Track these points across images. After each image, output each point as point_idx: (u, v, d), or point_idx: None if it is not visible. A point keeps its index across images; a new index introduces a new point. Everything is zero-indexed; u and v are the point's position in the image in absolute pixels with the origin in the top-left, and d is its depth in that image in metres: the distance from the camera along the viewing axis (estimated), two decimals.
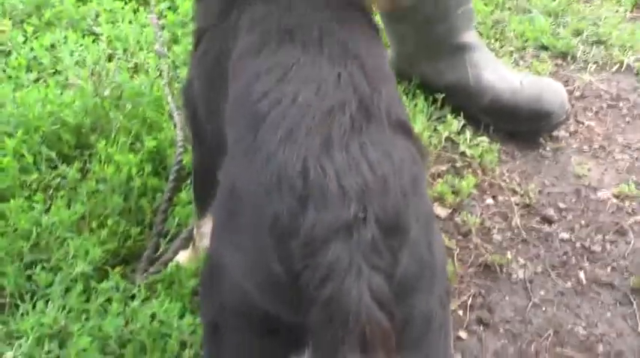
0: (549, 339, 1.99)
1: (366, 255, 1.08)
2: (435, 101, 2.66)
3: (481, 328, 2.03)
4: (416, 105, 2.65)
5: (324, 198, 1.11)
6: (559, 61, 3.11)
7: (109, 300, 1.94)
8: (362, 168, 1.15)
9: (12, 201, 2.13)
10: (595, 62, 3.08)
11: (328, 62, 1.34)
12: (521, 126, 2.64)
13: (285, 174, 1.14)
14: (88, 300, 1.94)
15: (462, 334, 2.00)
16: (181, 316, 1.88)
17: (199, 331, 1.83)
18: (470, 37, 2.71)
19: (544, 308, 2.08)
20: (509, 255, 2.21)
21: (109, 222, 2.14)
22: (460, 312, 2.05)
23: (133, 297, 1.95)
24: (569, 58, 3.12)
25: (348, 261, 1.07)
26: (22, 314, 1.91)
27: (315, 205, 1.11)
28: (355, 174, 1.14)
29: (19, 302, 1.94)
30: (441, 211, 2.35)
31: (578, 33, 3.24)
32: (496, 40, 3.17)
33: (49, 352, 1.81)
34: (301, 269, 1.09)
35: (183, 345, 1.85)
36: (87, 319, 1.88)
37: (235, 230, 1.23)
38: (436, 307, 1.27)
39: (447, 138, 2.61)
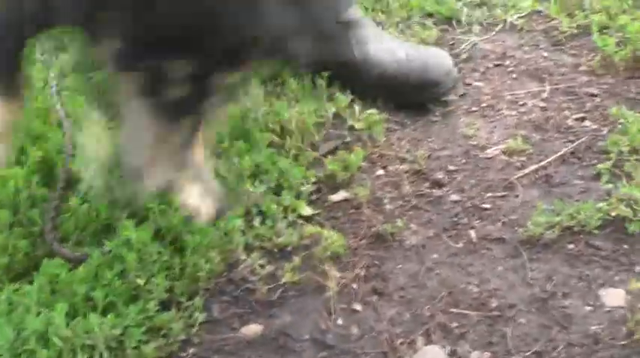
0: (443, 301, 2.00)
1: None
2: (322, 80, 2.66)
3: (376, 298, 2.03)
4: (304, 87, 2.65)
5: None
6: (444, 26, 3.15)
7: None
8: None
9: None
10: (479, 23, 3.13)
11: None
12: (409, 98, 2.66)
13: None
14: None
15: (357, 306, 2.00)
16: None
17: None
18: (352, 13, 2.72)
19: (437, 271, 2.09)
20: (400, 223, 2.21)
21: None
22: (354, 285, 2.06)
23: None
24: (454, 22, 3.17)
25: None
26: None
27: None
28: None
29: None
30: (337, 195, 2.36)
31: None
32: (382, 12, 3.20)
33: None
34: None
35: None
36: None
37: None
38: None
39: (336, 115, 2.62)
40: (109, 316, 1.86)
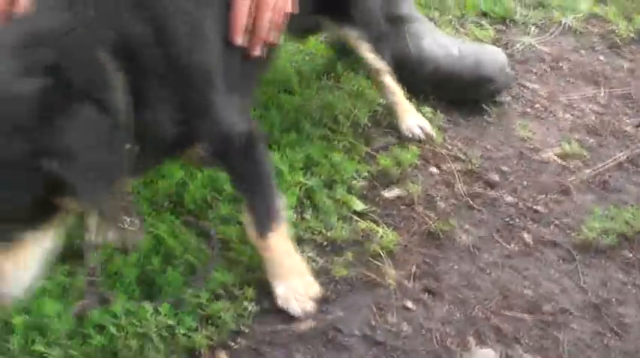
0: (496, 302, 1.99)
1: None
2: None
3: (428, 297, 2.01)
4: (358, 81, 2.65)
5: None
6: (499, 26, 3.13)
7: None
8: None
9: None
10: (535, 25, 3.11)
11: None
12: (463, 94, 2.64)
13: None
14: None
15: (409, 303, 1.99)
16: None
17: None
18: (407, 8, 2.70)
19: (490, 272, 2.08)
20: (453, 222, 2.20)
21: None
22: (406, 282, 2.04)
23: None
24: (508, 22, 3.14)
25: None
26: None
27: None
28: None
29: None
30: (390, 192, 2.35)
31: None
32: (436, 9, 3.18)
33: None
34: None
35: None
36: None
37: None
38: None
39: (389, 110, 2.60)
40: (163, 305, 1.87)
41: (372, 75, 2.53)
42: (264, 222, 1.92)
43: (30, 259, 1.55)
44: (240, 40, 1.76)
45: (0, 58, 1.46)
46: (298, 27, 2.20)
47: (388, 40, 2.50)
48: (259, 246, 1.96)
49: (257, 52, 1.81)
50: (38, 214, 1.50)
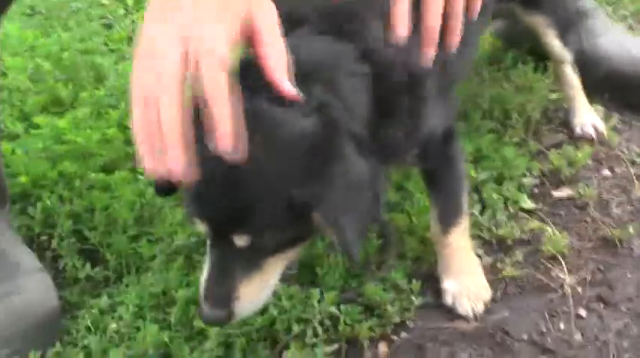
0: None
1: None
2: (546, 68, 2.58)
3: (601, 306, 1.96)
4: (526, 73, 2.58)
5: None
6: None
7: None
8: None
9: (117, 172, 2.17)
10: None
11: None
12: (638, 98, 2.53)
13: None
14: (187, 274, 1.96)
15: (582, 312, 1.94)
16: None
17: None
18: (585, 3, 2.61)
19: None
20: (630, 229, 2.13)
21: None
22: (579, 289, 1.99)
23: None
24: None
25: None
26: (127, 285, 1.96)
27: None
28: None
29: (124, 272, 2.00)
30: (561, 192, 2.31)
31: None
32: (609, 4, 3.10)
33: (151, 320, 1.86)
34: None
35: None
36: (188, 286, 1.91)
37: None
38: None
39: (561, 107, 2.56)
40: (329, 293, 1.88)
41: (554, 64, 2.48)
42: (450, 218, 1.92)
43: (271, 281, 1.60)
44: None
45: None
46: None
47: (576, 29, 2.45)
48: (440, 241, 1.95)
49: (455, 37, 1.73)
50: (290, 243, 1.57)
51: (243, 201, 1.46)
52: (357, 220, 1.50)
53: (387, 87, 1.59)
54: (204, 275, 1.57)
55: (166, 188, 1.62)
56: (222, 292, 1.54)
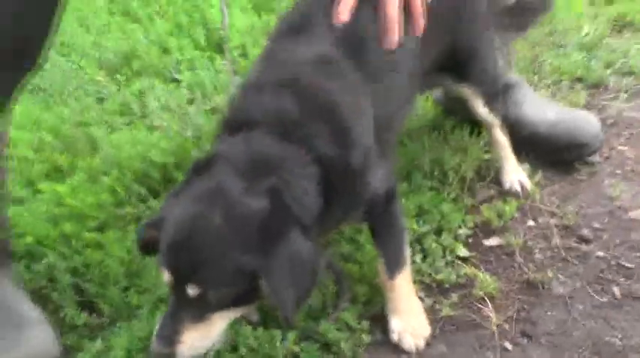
0: (588, 350, 1.96)
1: None
2: (480, 132, 2.64)
3: (525, 340, 2.00)
4: (463, 137, 2.64)
5: None
6: (592, 91, 3.07)
7: None
8: None
9: (109, 232, 2.20)
10: (626, 91, 3.04)
11: None
12: (558, 156, 2.60)
13: None
14: None
15: (508, 345, 1.98)
16: None
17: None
18: (511, 76, 2.69)
19: (582, 322, 2.04)
20: (549, 273, 2.17)
21: None
22: (506, 326, 2.03)
23: None
24: (601, 88, 3.09)
25: None
26: (119, 328, 1.99)
27: None
28: None
29: (117, 318, 2.05)
30: (491, 240, 2.35)
31: (609, 65, 3.20)
32: (534, 73, 3.15)
33: None
34: None
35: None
36: None
37: None
38: None
39: (493, 166, 2.60)
40: (291, 333, 1.92)
41: (484, 129, 2.54)
42: (394, 266, 1.95)
43: (214, 333, 1.67)
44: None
45: (230, 176, 1.61)
46: (424, 84, 2.22)
47: (502, 98, 2.50)
48: (387, 286, 1.98)
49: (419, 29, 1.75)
50: (235, 303, 1.65)
51: (201, 257, 1.55)
52: (296, 293, 1.57)
53: (333, 183, 1.68)
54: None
55: (148, 247, 1.71)
56: (169, 333, 1.61)
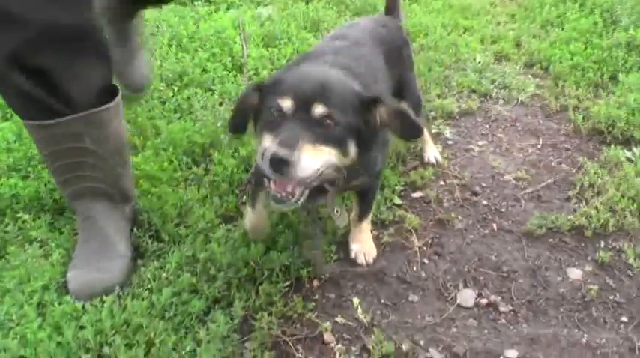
0: (475, 263, 2.00)
1: None
2: None
3: (436, 257, 2.03)
4: None
5: None
6: (482, 99, 3.09)
7: None
8: None
9: (168, 188, 2.19)
10: (503, 99, 3.08)
11: None
12: None
13: None
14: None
15: (425, 260, 2.00)
16: None
17: None
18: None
19: (472, 246, 2.08)
20: (452, 215, 2.20)
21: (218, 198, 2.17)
22: (424, 248, 2.06)
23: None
24: (488, 97, 3.11)
25: None
26: (173, 252, 1.88)
27: None
28: None
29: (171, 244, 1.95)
30: (416, 194, 2.33)
31: (493, 81, 3.22)
32: (446, 87, 3.15)
33: None
34: None
35: None
36: None
37: None
38: None
39: (418, 146, 2.59)
40: (284, 253, 1.88)
41: None
42: (364, 215, 1.95)
43: (320, 161, 1.40)
44: None
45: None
46: None
47: (421, 110, 2.48)
48: (354, 225, 1.96)
49: None
50: (349, 135, 1.45)
51: (327, 85, 1.41)
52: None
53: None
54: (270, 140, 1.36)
55: (239, 127, 1.53)
56: (292, 142, 1.31)
